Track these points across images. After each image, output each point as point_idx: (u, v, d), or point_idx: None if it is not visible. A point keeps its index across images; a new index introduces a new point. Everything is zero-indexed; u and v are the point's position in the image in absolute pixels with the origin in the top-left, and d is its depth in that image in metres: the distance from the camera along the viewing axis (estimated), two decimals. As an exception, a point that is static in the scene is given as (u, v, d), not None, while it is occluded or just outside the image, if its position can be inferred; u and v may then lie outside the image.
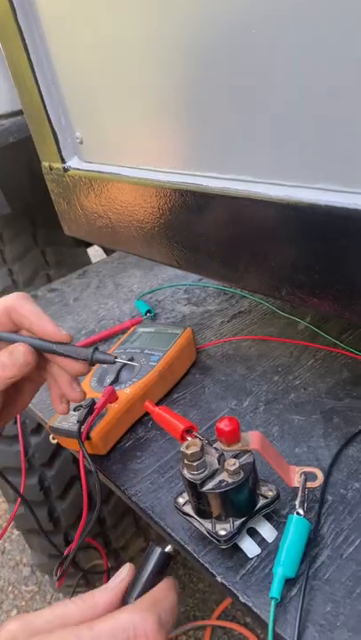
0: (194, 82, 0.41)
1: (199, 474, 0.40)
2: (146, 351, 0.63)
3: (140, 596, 0.34)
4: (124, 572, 0.34)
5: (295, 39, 0.32)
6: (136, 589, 0.34)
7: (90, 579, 1.34)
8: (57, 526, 1.20)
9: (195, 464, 0.39)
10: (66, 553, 0.47)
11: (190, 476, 0.40)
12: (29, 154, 0.95)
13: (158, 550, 0.36)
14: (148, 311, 0.79)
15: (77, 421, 0.52)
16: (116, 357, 0.45)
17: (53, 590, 1.54)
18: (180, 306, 0.82)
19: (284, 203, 0.37)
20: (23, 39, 0.55)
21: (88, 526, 0.47)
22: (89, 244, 1.57)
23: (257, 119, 0.37)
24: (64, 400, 0.48)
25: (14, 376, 0.43)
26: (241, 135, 0.39)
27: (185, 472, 0.41)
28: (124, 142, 0.52)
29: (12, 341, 0.45)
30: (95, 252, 1.94)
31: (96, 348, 0.45)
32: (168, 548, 0.36)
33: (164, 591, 0.32)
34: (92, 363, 0.45)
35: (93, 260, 1.41)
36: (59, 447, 1.14)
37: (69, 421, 0.54)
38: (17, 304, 0.45)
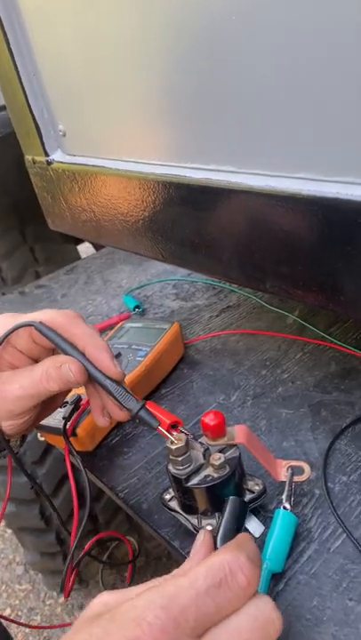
0: (175, 73, 0.40)
1: (184, 469, 0.39)
2: (133, 346, 0.62)
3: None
4: (203, 536, 0.34)
5: (272, 27, 0.32)
6: (219, 544, 0.34)
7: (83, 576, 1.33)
8: (49, 524, 1.20)
9: (179, 459, 0.39)
10: (71, 565, 0.45)
11: (175, 471, 0.40)
12: (16, 149, 0.94)
13: (236, 500, 0.37)
14: (137, 306, 0.79)
15: (63, 418, 0.51)
16: (160, 425, 0.41)
17: (47, 588, 1.53)
18: (168, 301, 0.81)
19: (265, 193, 0.37)
20: (4, 31, 0.54)
21: (81, 525, 0.46)
22: (79, 241, 1.56)
23: (238, 110, 0.37)
24: (106, 412, 0.45)
25: (57, 390, 0.42)
26: (223, 126, 0.39)
27: (170, 467, 0.40)
28: (106, 134, 0.51)
29: (64, 352, 0.42)
30: (86, 250, 1.93)
31: (144, 405, 0.42)
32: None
33: (245, 537, 0.32)
34: (133, 417, 0.42)
35: (83, 256, 1.40)
36: (49, 445, 1.13)
37: (55, 418, 0.53)
38: (70, 323, 0.42)
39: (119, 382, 0.42)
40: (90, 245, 1.67)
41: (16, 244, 1.31)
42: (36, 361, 0.45)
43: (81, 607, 1.50)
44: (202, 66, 0.38)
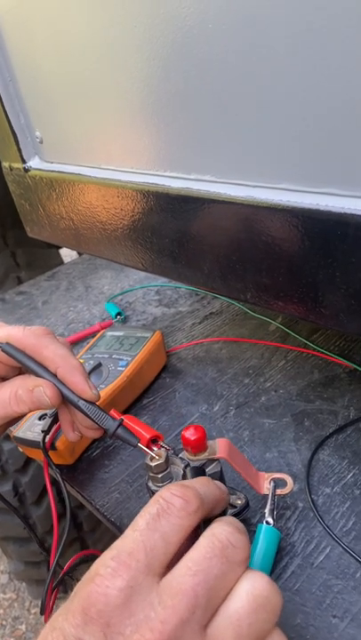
0: (155, 80, 0.39)
1: (164, 485, 0.38)
2: (114, 356, 0.61)
3: None
4: None
5: (254, 36, 0.31)
6: None
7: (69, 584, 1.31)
8: (32, 533, 1.18)
9: (159, 476, 0.38)
10: (51, 585, 0.43)
11: (155, 488, 0.39)
12: None
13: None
14: (119, 314, 0.78)
15: (42, 431, 0.50)
16: (139, 442, 0.40)
17: (32, 597, 1.51)
18: (151, 307, 0.80)
19: (245, 203, 0.36)
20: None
21: (62, 541, 0.45)
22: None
23: (218, 119, 0.36)
24: (76, 427, 0.44)
25: (27, 412, 0.40)
26: (203, 135, 0.38)
27: (150, 484, 0.39)
28: (84, 141, 0.50)
29: (36, 374, 0.40)
30: (70, 253, 1.91)
31: (121, 423, 0.41)
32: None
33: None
34: (111, 436, 0.41)
35: (67, 260, 1.38)
36: (32, 453, 1.12)
37: (34, 431, 0.52)
38: (40, 343, 0.40)
39: (93, 402, 0.41)
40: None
41: (-3, 249, 1.29)
42: (3, 379, 0.43)
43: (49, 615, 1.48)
44: (182, 73, 0.37)
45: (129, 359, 0.60)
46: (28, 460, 1.12)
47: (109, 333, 0.66)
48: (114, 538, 1.02)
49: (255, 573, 0.27)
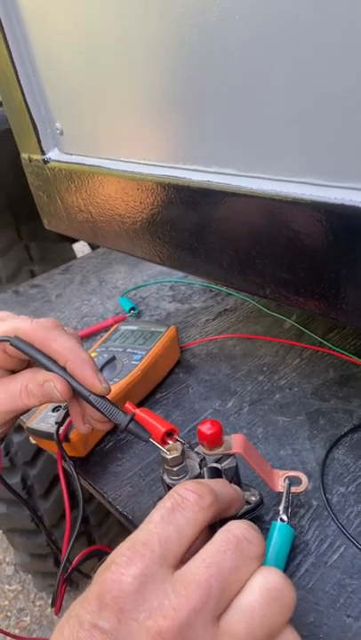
0: (177, 72, 0.39)
1: (180, 479, 0.38)
2: (128, 350, 0.61)
3: None
4: None
5: (277, 28, 0.31)
6: None
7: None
8: (39, 526, 1.18)
9: (175, 469, 0.38)
10: (62, 579, 0.44)
11: (170, 481, 0.38)
12: (12, 147, 0.92)
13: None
14: (132, 308, 0.77)
15: (56, 423, 0.50)
16: (150, 437, 0.40)
17: (37, 590, 1.52)
18: (164, 303, 0.80)
19: (268, 197, 0.36)
20: (1, 27, 0.53)
21: (73, 534, 0.45)
22: (74, 240, 1.54)
23: (242, 111, 0.36)
24: (87, 420, 0.44)
25: (37, 405, 0.41)
26: (225, 127, 0.38)
27: (165, 477, 0.39)
28: (105, 134, 0.50)
29: (46, 368, 0.40)
30: (81, 248, 1.91)
31: (132, 418, 0.41)
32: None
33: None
34: (122, 430, 0.41)
35: (79, 255, 1.38)
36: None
37: (47, 422, 0.52)
38: (48, 337, 0.40)
39: (104, 396, 0.41)
40: (85, 244, 1.65)
41: (11, 242, 1.29)
42: (12, 372, 0.43)
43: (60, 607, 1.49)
44: (205, 65, 0.37)
45: (143, 353, 0.59)
46: (37, 453, 1.12)
47: (124, 327, 0.66)
48: (120, 533, 1.03)
49: (269, 568, 0.27)
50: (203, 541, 0.28)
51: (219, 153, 0.39)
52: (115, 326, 0.67)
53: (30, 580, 1.55)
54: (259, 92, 0.34)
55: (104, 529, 1.27)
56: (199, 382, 0.61)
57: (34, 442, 0.58)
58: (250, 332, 0.68)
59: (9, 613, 1.52)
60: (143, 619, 0.24)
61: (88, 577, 0.54)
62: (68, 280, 0.94)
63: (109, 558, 0.27)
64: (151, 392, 0.60)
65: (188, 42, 0.37)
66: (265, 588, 0.26)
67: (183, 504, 0.28)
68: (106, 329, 0.74)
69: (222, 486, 0.31)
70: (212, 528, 0.29)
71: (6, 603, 1.54)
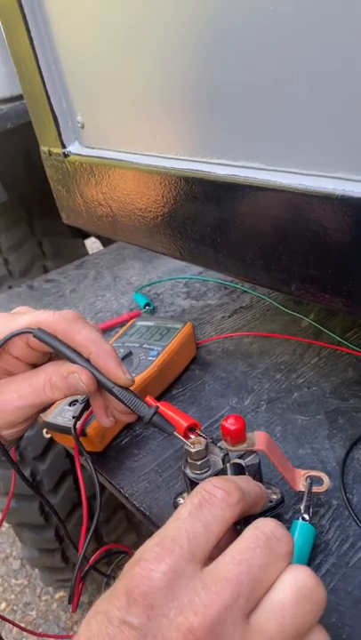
0: (203, 62, 0.39)
1: (203, 473, 0.38)
2: (145, 345, 0.61)
3: None
4: None
5: (309, 17, 0.30)
6: None
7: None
8: (48, 521, 1.18)
9: (198, 463, 0.38)
10: (79, 577, 0.43)
11: (193, 475, 0.38)
12: (27, 142, 0.92)
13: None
14: (147, 304, 0.77)
15: (73, 417, 0.50)
16: (175, 429, 0.40)
17: (44, 584, 1.52)
18: (179, 299, 0.80)
19: (296, 192, 0.35)
20: (25, 20, 0.53)
21: (90, 530, 0.44)
22: (86, 236, 1.54)
23: (272, 103, 0.35)
24: (110, 413, 0.44)
25: (61, 398, 0.41)
26: (253, 120, 0.37)
27: (188, 471, 0.39)
28: (127, 127, 0.50)
29: (70, 360, 0.40)
30: (92, 245, 1.91)
31: (157, 410, 0.40)
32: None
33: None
34: (147, 423, 0.40)
35: (90, 252, 1.38)
36: (51, 441, 1.12)
37: (64, 416, 0.52)
38: (71, 328, 0.40)
39: (127, 388, 0.41)
40: (96, 240, 1.65)
41: (24, 237, 1.29)
42: (34, 366, 0.43)
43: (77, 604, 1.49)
44: (232, 53, 0.36)
45: (160, 349, 0.59)
46: (47, 448, 1.12)
47: (140, 323, 0.66)
48: (128, 529, 1.02)
49: (299, 566, 0.26)
50: (228, 539, 0.27)
51: (246, 146, 0.39)
52: (131, 322, 0.67)
53: (36, 575, 1.55)
54: (290, 83, 0.34)
55: (112, 525, 1.27)
56: (215, 379, 0.60)
57: (48, 436, 0.58)
58: (266, 329, 0.67)
59: (15, 607, 1.52)
60: (174, 615, 0.24)
61: (104, 574, 0.54)
62: (82, 275, 0.94)
63: (137, 554, 0.27)
64: (167, 388, 0.60)
65: (218, 32, 0.36)
66: (296, 587, 0.25)
67: (211, 500, 0.28)
68: (121, 324, 0.74)
69: (248, 484, 0.31)
70: (235, 526, 0.29)
71: (12, 597, 1.55)
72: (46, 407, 0.44)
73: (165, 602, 0.25)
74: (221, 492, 0.28)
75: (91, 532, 0.44)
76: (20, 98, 0.97)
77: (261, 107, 0.36)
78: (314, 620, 0.26)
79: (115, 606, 0.25)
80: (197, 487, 0.29)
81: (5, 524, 1.72)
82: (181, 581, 0.25)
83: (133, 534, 1.32)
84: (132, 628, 0.24)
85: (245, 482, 0.31)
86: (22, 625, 0.62)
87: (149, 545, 0.27)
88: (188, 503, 0.28)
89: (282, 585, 0.26)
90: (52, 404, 0.43)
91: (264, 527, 0.27)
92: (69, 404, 0.53)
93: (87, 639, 0.25)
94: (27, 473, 1.11)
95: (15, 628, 1.41)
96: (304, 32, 0.31)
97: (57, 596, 1.52)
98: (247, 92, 0.37)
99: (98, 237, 1.55)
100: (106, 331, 0.74)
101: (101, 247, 1.44)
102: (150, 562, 0.26)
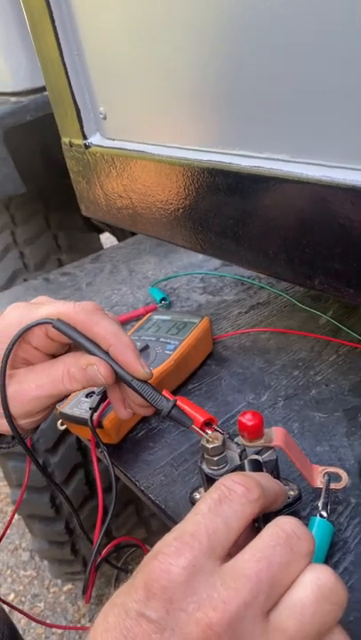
0: (227, 52, 0.38)
1: (219, 469, 0.38)
2: (161, 339, 0.60)
3: None
4: None
5: (336, 4, 0.30)
6: None
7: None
8: (59, 513, 1.19)
9: (215, 459, 0.37)
10: (93, 569, 0.44)
11: (210, 471, 0.38)
12: (45, 135, 0.92)
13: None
14: (163, 299, 0.77)
15: (90, 408, 0.50)
16: (193, 423, 0.40)
17: (52, 576, 1.53)
18: (195, 294, 0.79)
19: (322, 184, 0.35)
20: (50, 11, 0.53)
21: (105, 522, 0.44)
22: (101, 231, 1.54)
23: (298, 94, 0.35)
24: (128, 404, 0.44)
25: (79, 389, 0.41)
26: (279, 111, 0.37)
27: (204, 467, 0.38)
28: (150, 118, 0.49)
29: (88, 351, 0.40)
30: (105, 240, 1.91)
31: (175, 404, 0.40)
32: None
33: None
34: (165, 416, 0.40)
35: (104, 247, 1.38)
36: (63, 434, 1.12)
37: (81, 408, 0.52)
38: (91, 320, 0.39)
39: (146, 381, 0.40)
40: (110, 236, 1.65)
41: (40, 231, 1.30)
42: (53, 356, 0.43)
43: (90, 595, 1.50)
44: (257, 43, 0.36)
45: (177, 343, 0.59)
46: (59, 441, 1.13)
47: (156, 317, 0.66)
48: (137, 524, 1.02)
49: (320, 566, 0.26)
50: (246, 537, 0.27)
51: (272, 138, 0.38)
52: (147, 315, 0.67)
53: (45, 567, 1.56)
54: (316, 74, 0.33)
55: (121, 519, 1.27)
56: (232, 375, 0.60)
57: (62, 427, 0.58)
58: (284, 326, 0.66)
59: (23, 598, 1.53)
60: (192, 610, 0.24)
61: (116, 567, 0.54)
62: (98, 269, 0.94)
63: (155, 548, 0.27)
64: (183, 383, 0.60)
65: (244, 21, 0.36)
66: (316, 585, 0.25)
67: (231, 496, 0.27)
68: (137, 318, 0.74)
69: (267, 480, 0.31)
70: (253, 524, 0.29)
71: (21, 588, 1.56)
72: (63, 398, 0.44)
73: (184, 596, 0.24)
74: (242, 487, 0.28)
75: (107, 522, 0.44)
76: (40, 90, 0.97)
77: (288, 97, 0.36)
78: (334, 620, 0.25)
79: (133, 599, 0.25)
80: (217, 482, 0.29)
81: (15, 516, 1.74)
82: (200, 577, 0.25)
83: (143, 529, 1.33)
84: (149, 622, 0.24)
85: (265, 478, 0.31)
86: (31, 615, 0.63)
87: (168, 539, 0.26)
88: (207, 498, 0.28)
89: (302, 584, 0.25)
90: (70, 394, 0.43)
91: (284, 525, 0.27)
92: (86, 396, 0.53)
93: (104, 631, 0.25)
94: (38, 465, 1.12)
95: (24, 618, 1.41)
96: (332, 20, 0.31)
97: (65, 588, 1.53)
98: (273, 82, 0.36)
99: (112, 233, 1.55)
100: (122, 324, 0.74)
101: (115, 242, 1.44)
102: (169, 556, 0.25)
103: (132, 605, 0.25)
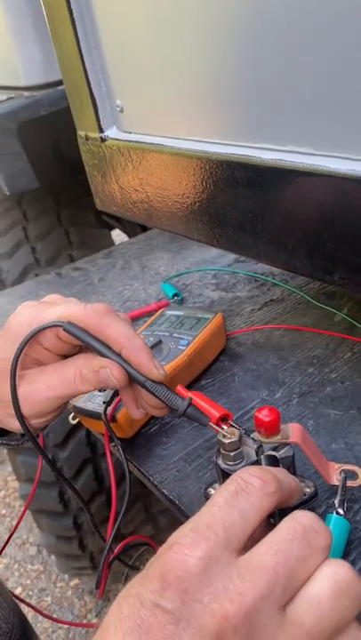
0: (248, 41, 0.38)
1: (236, 465, 0.37)
2: (175, 335, 0.60)
3: None
4: None
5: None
6: None
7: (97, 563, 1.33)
8: (67, 508, 1.19)
9: (232, 454, 0.37)
10: (106, 564, 0.44)
11: (226, 466, 0.38)
12: (58, 131, 0.92)
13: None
14: (176, 295, 0.77)
15: (103, 402, 0.50)
16: (210, 420, 0.39)
17: (59, 571, 1.54)
18: (208, 291, 0.79)
19: (347, 177, 0.34)
20: (68, 2, 0.52)
21: (119, 516, 0.44)
22: (112, 227, 1.54)
23: (322, 85, 0.34)
24: (140, 404, 0.43)
25: (91, 391, 0.41)
26: (302, 102, 0.36)
27: (220, 462, 0.38)
28: (168, 111, 0.49)
29: (101, 354, 0.39)
30: (115, 237, 1.91)
31: (190, 402, 0.40)
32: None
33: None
34: (181, 415, 0.40)
35: (115, 243, 1.38)
36: (73, 429, 1.12)
37: (94, 402, 0.52)
38: (102, 322, 0.39)
39: (160, 382, 0.40)
40: (120, 233, 1.65)
41: (51, 227, 1.30)
42: (64, 356, 0.43)
43: (91, 591, 1.51)
44: (280, 29, 0.35)
45: (190, 339, 0.59)
46: (68, 436, 1.13)
47: (169, 312, 0.65)
48: (145, 520, 1.01)
49: (338, 561, 0.26)
50: (261, 531, 0.27)
51: (294, 130, 0.38)
52: (160, 311, 0.67)
53: (52, 562, 1.57)
54: (344, 62, 0.32)
55: (129, 516, 1.27)
56: (245, 371, 0.59)
57: (74, 422, 0.58)
58: (298, 323, 0.66)
59: (30, 592, 1.54)
60: (208, 601, 0.24)
61: (127, 565, 0.54)
62: (110, 265, 0.94)
63: (171, 539, 0.27)
64: (196, 378, 0.59)
65: (266, 12, 0.36)
66: (334, 580, 0.25)
67: (248, 489, 0.27)
68: (149, 314, 0.74)
69: (284, 475, 0.30)
70: (268, 518, 0.28)
71: (28, 582, 1.56)
72: (72, 398, 0.44)
73: (200, 587, 0.24)
74: (259, 480, 0.27)
75: (121, 515, 0.44)
76: (53, 85, 0.97)
77: (313, 87, 0.35)
78: (352, 615, 0.25)
79: (147, 589, 0.25)
80: (233, 475, 0.28)
81: (23, 511, 1.75)
82: (216, 568, 0.25)
83: (151, 525, 1.32)
84: (165, 612, 0.24)
85: (281, 473, 0.30)
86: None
87: (184, 530, 0.26)
88: (223, 491, 0.27)
89: (320, 578, 0.25)
90: (80, 395, 0.43)
91: (301, 519, 0.26)
92: (99, 390, 0.53)
93: (118, 621, 0.25)
94: (47, 460, 1.12)
95: (30, 612, 1.42)
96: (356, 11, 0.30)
97: (72, 583, 1.53)
98: (298, 71, 0.36)
99: (123, 229, 1.55)
100: (134, 320, 0.74)
101: (126, 238, 1.43)
102: (185, 547, 0.25)
103: (147, 596, 0.25)
